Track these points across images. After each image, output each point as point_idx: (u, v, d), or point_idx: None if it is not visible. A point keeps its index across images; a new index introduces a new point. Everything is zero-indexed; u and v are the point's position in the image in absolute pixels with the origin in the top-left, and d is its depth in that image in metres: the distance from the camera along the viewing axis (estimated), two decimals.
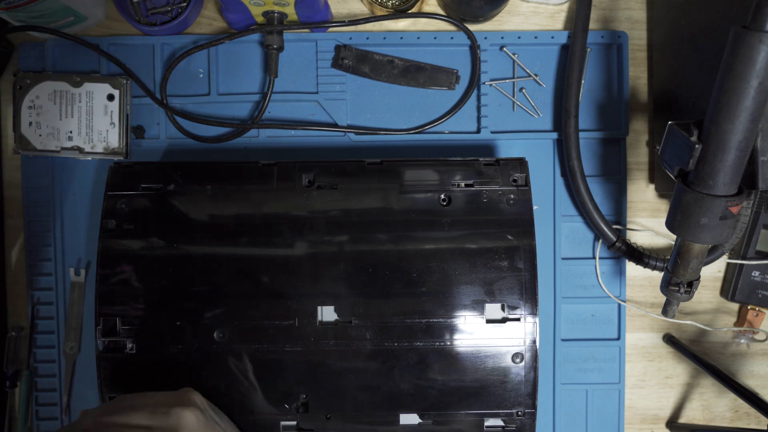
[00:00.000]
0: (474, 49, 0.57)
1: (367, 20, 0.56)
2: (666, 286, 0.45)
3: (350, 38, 0.57)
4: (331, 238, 0.47)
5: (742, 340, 0.58)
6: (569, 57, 0.55)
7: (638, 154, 0.58)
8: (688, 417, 0.59)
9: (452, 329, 0.47)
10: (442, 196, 0.49)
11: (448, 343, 0.47)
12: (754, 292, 0.56)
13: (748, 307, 0.57)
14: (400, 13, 0.56)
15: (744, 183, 0.41)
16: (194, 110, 0.57)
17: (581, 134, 0.56)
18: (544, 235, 0.57)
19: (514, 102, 0.57)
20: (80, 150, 0.55)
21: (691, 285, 0.44)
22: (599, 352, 0.57)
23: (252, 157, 0.56)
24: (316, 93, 0.57)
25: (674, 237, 0.44)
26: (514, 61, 0.57)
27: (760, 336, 0.58)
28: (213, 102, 0.57)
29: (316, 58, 0.57)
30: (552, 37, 0.57)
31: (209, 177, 0.49)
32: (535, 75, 0.57)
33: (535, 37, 0.57)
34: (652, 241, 0.58)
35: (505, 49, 0.57)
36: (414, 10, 0.56)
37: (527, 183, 0.49)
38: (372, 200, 0.48)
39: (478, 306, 0.47)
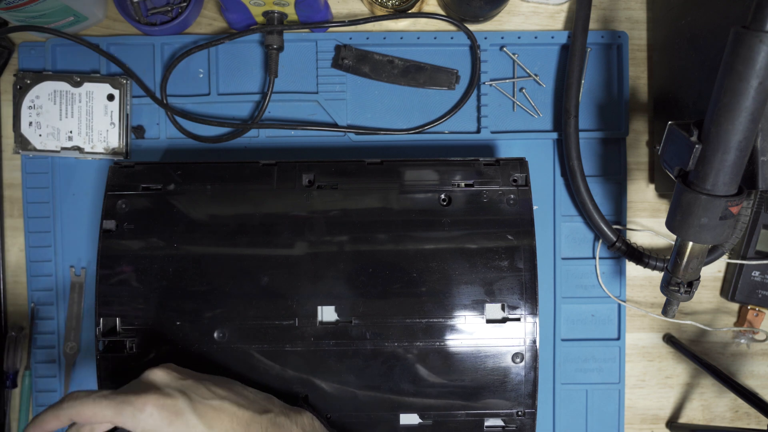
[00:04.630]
0: (474, 49, 0.57)
1: (367, 20, 0.56)
2: (666, 286, 0.45)
3: (350, 38, 0.57)
4: (331, 238, 0.47)
5: (742, 340, 0.58)
6: (569, 57, 0.55)
7: (638, 154, 0.58)
8: (688, 417, 0.59)
9: (452, 329, 0.47)
10: (442, 196, 0.49)
11: (448, 343, 0.47)
12: (754, 292, 0.56)
13: (748, 307, 0.57)
14: (400, 13, 0.56)
15: (744, 183, 0.41)
16: (194, 110, 0.57)
17: (581, 134, 0.56)
18: (544, 235, 0.57)
19: (514, 102, 0.57)
20: (80, 150, 0.55)
21: (691, 285, 0.44)
22: (599, 352, 0.57)
23: (252, 157, 0.56)
24: (316, 93, 0.57)
25: (674, 237, 0.44)
26: (514, 61, 0.57)
27: (760, 336, 0.58)
28: (213, 102, 0.57)
29: (316, 58, 0.57)
30: (552, 37, 0.57)
31: (209, 177, 0.49)
32: (535, 75, 0.57)
33: (535, 37, 0.57)
34: (652, 241, 0.58)
35: (505, 49, 0.57)
36: (414, 10, 0.56)
37: (527, 183, 0.49)
38: (372, 200, 0.48)
39: (478, 306, 0.47)
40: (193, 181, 0.49)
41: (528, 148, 0.57)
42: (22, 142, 0.55)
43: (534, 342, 0.47)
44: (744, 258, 0.56)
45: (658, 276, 0.58)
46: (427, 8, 0.57)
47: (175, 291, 0.47)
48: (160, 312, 0.47)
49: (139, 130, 0.57)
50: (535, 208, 0.54)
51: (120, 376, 0.47)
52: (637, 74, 0.58)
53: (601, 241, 0.57)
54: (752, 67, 0.35)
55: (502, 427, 0.47)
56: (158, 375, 0.40)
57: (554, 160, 0.57)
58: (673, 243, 0.45)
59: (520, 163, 0.50)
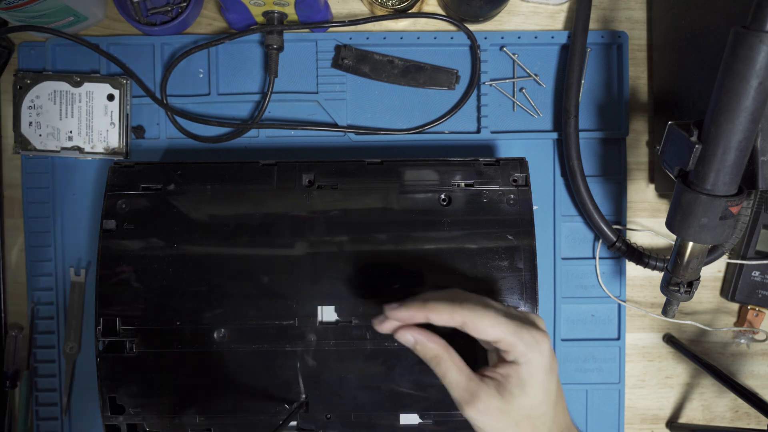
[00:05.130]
0: (474, 49, 0.57)
1: (367, 20, 0.56)
2: (666, 286, 0.45)
3: (350, 38, 0.57)
4: (332, 238, 0.47)
5: (742, 340, 0.58)
6: (569, 57, 0.55)
7: (638, 154, 0.58)
8: (688, 417, 0.59)
9: (452, 329, 0.46)
10: (442, 196, 0.49)
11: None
12: (754, 292, 0.56)
13: (748, 307, 0.57)
14: (400, 13, 0.56)
15: (744, 183, 0.41)
16: (194, 110, 0.57)
17: (581, 134, 0.56)
18: (544, 235, 0.57)
19: (514, 102, 0.57)
20: (80, 150, 0.55)
21: (691, 285, 0.44)
22: (599, 352, 0.57)
23: (252, 157, 0.56)
24: (316, 93, 0.57)
25: (674, 237, 0.44)
26: (514, 61, 0.57)
27: (760, 336, 0.58)
28: (213, 102, 0.57)
29: (316, 58, 0.57)
30: (552, 37, 0.57)
31: (209, 177, 0.49)
32: (535, 75, 0.57)
33: (535, 37, 0.57)
34: (652, 241, 0.58)
35: (505, 49, 0.57)
36: (414, 10, 0.56)
37: (527, 183, 0.49)
38: (372, 200, 0.48)
39: None
40: (193, 181, 0.49)
41: (528, 148, 0.57)
42: (22, 142, 0.55)
43: None
44: (744, 258, 0.56)
45: (658, 276, 0.58)
46: (427, 8, 0.57)
47: (175, 291, 0.47)
48: (160, 312, 0.47)
49: (139, 130, 0.57)
50: (535, 208, 0.54)
51: (120, 376, 0.47)
52: (637, 74, 0.58)
53: (601, 241, 0.57)
54: (752, 67, 0.35)
55: None
56: (544, 326, 0.39)
57: (554, 160, 0.57)
58: (673, 243, 0.45)
59: (520, 163, 0.50)
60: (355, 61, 0.56)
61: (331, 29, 0.57)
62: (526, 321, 0.38)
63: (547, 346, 0.37)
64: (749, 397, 0.51)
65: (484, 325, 0.36)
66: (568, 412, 0.40)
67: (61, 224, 0.56)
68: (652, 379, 0.59)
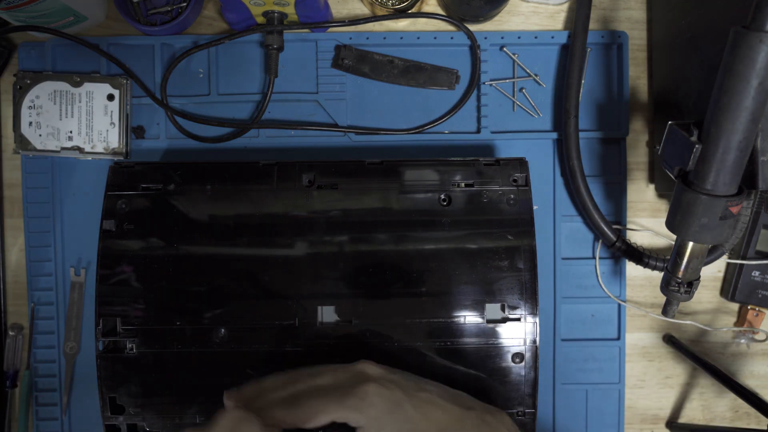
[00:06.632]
0: (474, 49, 0.57)
1: (367, 20, 0.56)
2: (666, 286, 0.45)
3: (350, 38, 0.57)
4: (332, 238, 0.47)
5: (742, 340, 0.58)
6: (569, 57, 0.55)
7: (638, 154, 0.58)
8: (688, 417, 0.59)
9: (452, 329, 0.47)
10: (442, 196, 0.49)
11: (448, 344, 0.47)
12: (754, 292, 0.56)
13: (748, 307, 0.57)
14: (400, 13, 0.56)
15: (744, 183, 0.41)
16: (194, 110, 0.57)
17: (581, 134, 0.56)
18: (544, 235, 0.57)
19: (514, 102, 0.57)
20: (80, 150, 0.55)
21: (691, 285, 0.45)
22: (599, 352, 0.57)
23: (252, 157, 0.56)
24: (316, 93, 0.57)
25: (674, 237, 0.44)
26: (514, 61, 0.57)
27: (760, 336, 0.58)
28: (213, 102, 0.57)
29: (316, 58, 0.57)
30: (552, 37, 0.57)
31: (209, 177, 0.49)
32: (535, 75, 0.57)
33: (535, 37, 0.57)
34: (652, 241, 0.58)
35: (505, 49, 0.57)
36: (414, 10, 0.56)
37: (527, 183, 0.49)
38: (372, 200, 0.48)
39: (478, 306, 0.47)
40: (193, 181, 0.49)
41: (528, 148, 0.57)
42: (22, 142, 0.55)
43: (534, 342, 0.47)
44: (744, 258, 0.56)
45: (658, 276, 0.58)
46: (427, 8, 0.57)
47: (175, 291, 0.47)
48: (160, 312, 0.47)
49: (139, 130, 0.57)
50: (535, 208, 0.54)
51: (120, 376, 0.47)
52: (637, 74, 0.58)
53: (601, 241, 0.57)
54: (752, 67, 0.35)
55: None
56: (370, 368, 0.40)
57: (554, 160, 0.57)
58: (673, 243, 0.45)
59: (520, 163, 0.50)
60: (355, 61, 0.56)
61: (331, 29, 0.57)
62: (346, 385, 0.38)
63: (372, 395, 0.37)
64: (749, 397, 0.51)
65: (313, 413, 0.36)
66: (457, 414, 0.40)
67: (61, 224, 0.57)
68: (652, 379, 0.59)
